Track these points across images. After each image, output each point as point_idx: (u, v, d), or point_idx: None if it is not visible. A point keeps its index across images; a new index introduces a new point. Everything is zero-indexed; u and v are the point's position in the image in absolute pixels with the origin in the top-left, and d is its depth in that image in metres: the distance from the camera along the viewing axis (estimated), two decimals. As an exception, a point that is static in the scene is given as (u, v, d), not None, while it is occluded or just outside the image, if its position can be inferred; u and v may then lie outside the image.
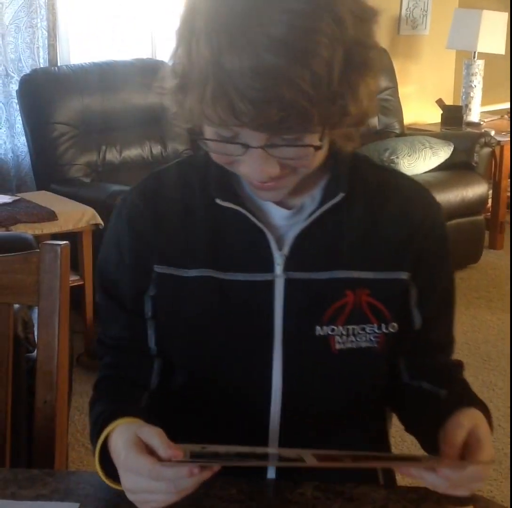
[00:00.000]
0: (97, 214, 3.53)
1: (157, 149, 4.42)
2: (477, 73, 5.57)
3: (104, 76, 4.24)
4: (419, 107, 5.74)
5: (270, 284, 1.18)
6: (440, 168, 4.89)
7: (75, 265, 3.49)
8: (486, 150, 5.04)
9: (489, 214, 5.26)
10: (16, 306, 1.60)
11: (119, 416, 1.11)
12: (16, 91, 4.08)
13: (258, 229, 1.18)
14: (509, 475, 1.04)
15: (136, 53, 4.65)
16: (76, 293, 3.29)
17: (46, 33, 4.17)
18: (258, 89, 0.96)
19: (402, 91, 5.37)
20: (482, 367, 3.65)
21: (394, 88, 5.24)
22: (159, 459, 0.99)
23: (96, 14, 4.56)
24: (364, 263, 1.20)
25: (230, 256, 1.19)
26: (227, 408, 1.23)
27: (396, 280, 1.21)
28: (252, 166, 1.07)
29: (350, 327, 1.19)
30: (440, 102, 5.60)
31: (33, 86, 4.04)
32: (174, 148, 4.46)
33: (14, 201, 3.58)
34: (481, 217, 4.93)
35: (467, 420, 1.09)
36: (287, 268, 1.18)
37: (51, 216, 3.44)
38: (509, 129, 5.40)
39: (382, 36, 1.24)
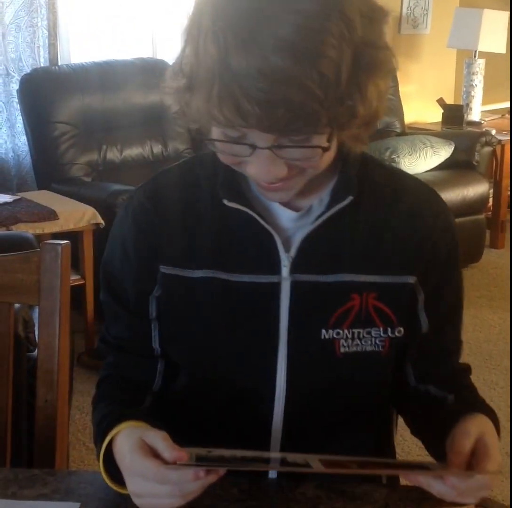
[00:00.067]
0: (98, 214, 3.53)
1: (158, 148, 4.41)
2: (478, 72, 5.57)
3: (105, 75, 4.24)
4: (420, 106, 5.74)
5: (276, 286, 1.17)
6: (441, 167, 4.89)
7: (76, 265, 3.50)
8: (487, 149, 5.04)
9: (490, 213, 5.26)
10: (17, 305, 1.60)
11: (124, 420, 1.10)
12: (17, 90, 4.08)
13: (265, 231, 1.17)
14: (509, 475, 1.04)
15: (137, 52, 4.65)
16: (77, 293, 3.29)
17: (47, 32, 4.17)
18: (264, 91, 0.95)
19: (403, 90, 5.36)
20: (484, 366, 3.65)
21: (394, 87, 5.23)
22: (164, 462, 0.98)
23: (96, 14, 4.56)
24: (371, 266, 1.19)
25: (236, 257, 1.18)
26: (230, 409, 1.23)
27: (404, 284, 1.20)
28: (259, 167, 1.06)
29: (355, 330, 1.18)
30: (441, 101, 5.60)
31: (33, 85, 4.04)
32: (175, 147, 4.46)
33: (14, 201, 3.58)
34: (482, 216, 4.92)
35: (475, 428, 1.08)
36: (293, 270, 1.17)
37: (51, 215, 3.44)
38: (509, 128, 5.39)
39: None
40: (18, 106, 4.10)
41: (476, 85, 5.59)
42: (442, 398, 1.24)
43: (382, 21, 1.03)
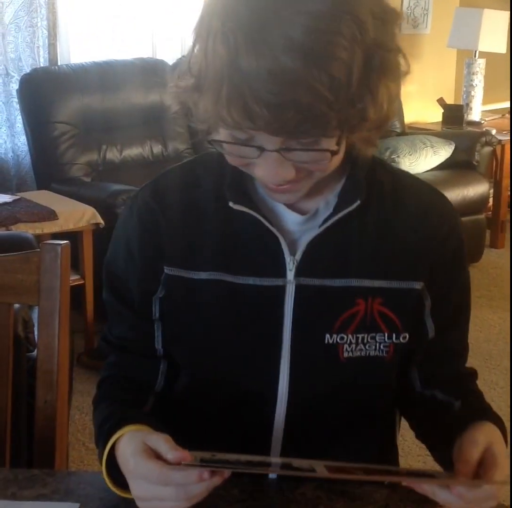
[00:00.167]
0: (97, 214, 3.53)
1: (157, 148, 4.41)
2: (478, 72, 5.57)
3: (105, 75, 4.24)
4: (420, 106, 5.74)
5: (281, 289, 1.17)
6: (441, 167, 4.89)
7: (76, 265, 3.50)
8: (487, 149, 5.04)
9: (490, 213, 5.26)
10: (16, 305, 1.60)
11: (125, 423, 1.09)
12: (17, 90, 4.08)
13: (271, 234, 1.16)
14: (510, 475, 1.03)
15: (136, 52, 4.64)
16: (77, 293, 3.29)
17: (47, 32, 4.17)
18: (274, 93, 0.94)
19: (403, 90, 5.27)
20: (484, 366, 3.64)
21: (394, 87, 5.23)
22: (168, 464, 0.98)
23: (96, 14, 4.55)
24: (378, 271, 1.18)
25: (241, 260, 1.17)
26: (232, 411, 1.22)
27: (410, 290, 1.20)
28: (267, 169, 1.05)
29: (360, 335, 1.17)
30: (441, 101, 5.60)
31: (33, 85, 4.04)
32: (175, 147, 4.46)
33: (14, 201, 3.58)
34: (482, 216, 4.92)
35: (483, 437, 1.07)
36: (298, 274, 1.16)
37: (51, 215, 3.43)
38: (509, 128, 5.39)
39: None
40: (18, 106, 4.10)
41: (476, 85, 5.59)
42: (448, 404, 1.23)
43: (394, 23, 1.02)
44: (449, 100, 5.82)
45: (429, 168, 4.85)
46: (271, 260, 1.17)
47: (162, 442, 1.00)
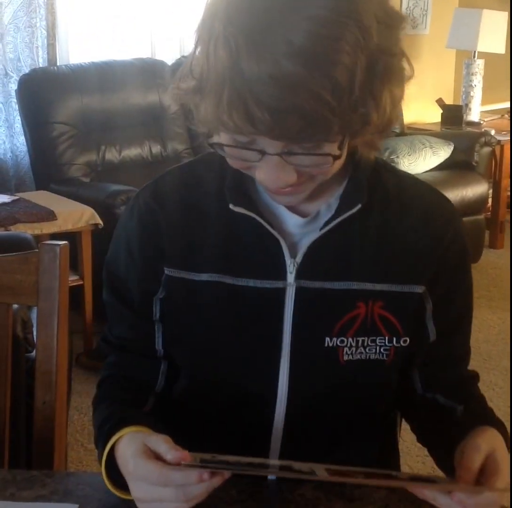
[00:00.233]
0: (96, 214, 3.52)
1: (156, 148, 4.41)
2: (477, 72, 5.58)
3: (103, 75, 4.24)
4: (419, 107, 5.74)
5: (281, 292, 1.16)
6: (440, 167, 4.89)
7: (75, 265, 3.50)
8: (486, 149, 5.04)
9: (489, 213, 5.26)
10: (15, 306, 1.60)
11: (125, 424, 1.09)
12: (15, 90, 4.08)
13: (271, 236, 1.15)
14: (509, 476, 1.04)
15: (136, 52, 4.64)
16: (75, 293, 3.29)
17: (45, 32, 4.17)
18: (276, 98, 0.93)
19: (402, 90, 5.35)
20: (483, 366, 3.64)
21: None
22: (168, 464, 0.97)
23: (95, 14, 4.56)
24: (379, 275, 1.17)
25: (241, 262, 1.17)
26: (231, 412, 1.22)
27: (411, 294, 1.19)
28: (268, 173, 1.04)
29: (360, 339, 1.17)
30: (440, 102, 5.60)
31: (32, 85, 4.04)
32: (174, 148, 4.46)
33: (13, 201, 3.58)
34: (481, 217, 4.92)
35: (485, 443, 1.06)
36: (299, 276, 1.16)
37: (50, 216, 3.43)
38: (509, 129, 5.40)
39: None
40: (17, 106, 4.10)
41: (475, 85, 5.60)
42: (451, 408, 1.22)
43: (399, 27, 1.01)
44: (448, 101, 5.83)
45: (428, 168, 4.85)
46: (272, 263, 1.16)
47: (161, 443, 1.00)
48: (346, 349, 1.17)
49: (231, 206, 1.15)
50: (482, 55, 5.56)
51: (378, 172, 1.19)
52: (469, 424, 1.12)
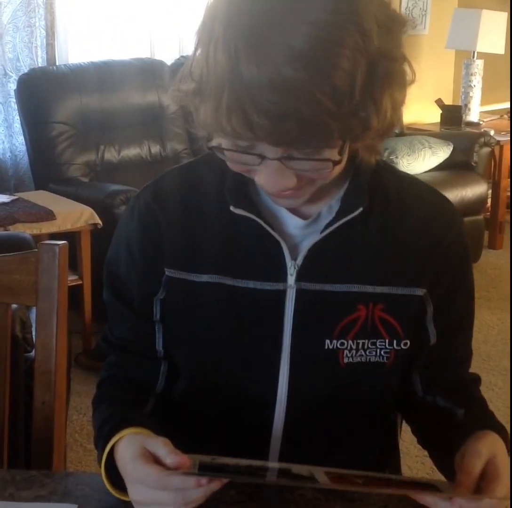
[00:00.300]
0: (95, 214, 3.52)
1: (155, 148, 4.41)
2: (476, 72, 5.57)
3: (103, 75, 4.24)
4: (418, 107, 5.74)
5: (281, 294, 1.16)
6: (439, 168, 4.89)
7: (74, 265, 3.50)
8: (486, 149, 5.04)
9: (488, 214, 5.26)
10: (14, 306, 1.59)
11: (125, 426, 1.09)
12: (14, 90, 4.08)
13: (272, 238, 1.15)
14: (509, 476, 1.03)
15: (135, 52, 4.64)
16: (75, 293, 3.28)
17: (44, 32, 4.17)
18: (275, 103, 0.92)
19: (401, 91, 5.35)
20: (482, 367, 3.64)
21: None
22: (166, 468, 0.97)
23: (94, 14, 4.55)
24: (380, 277, 1.17)
25: (242, 263, 1.16)
26: (230, 414, 1.22)
27: (412, 297, 1.19)
28: (268, 177, 1.04)
29: (360, 341, 1.16)
30: (439, 102, 5.60)
31: (31, 85, 4.04)
32: (173, 148, 4.46)
33: (12, 201, 3.57)
34: (480, 217, 4.92)
35: (486, 448, 1.05)
36: (299, 278, 1.15)
37: (49, 215, 3.43)
38: (508, 129, 5.40)
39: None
40: (16, 106, 4.10)
41: (474, 85, 5.59)
42: (451, 411, 1.22)
43: (400, 31, 1.00)
44: (448, 101, 5.83)
45: (427, 169, 4.85)
46: (272, 264, 1.16)
47: (160, 446, 1.00)
48: (346, 351, 1.16)
49: (231, 208, 1.15)
50: (482, 55, 5.56)
51: (379, 173, 1.19)
52: (470, 428, 1.12)
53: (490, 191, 5.19)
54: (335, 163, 1.02)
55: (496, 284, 4.75)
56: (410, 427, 1.31)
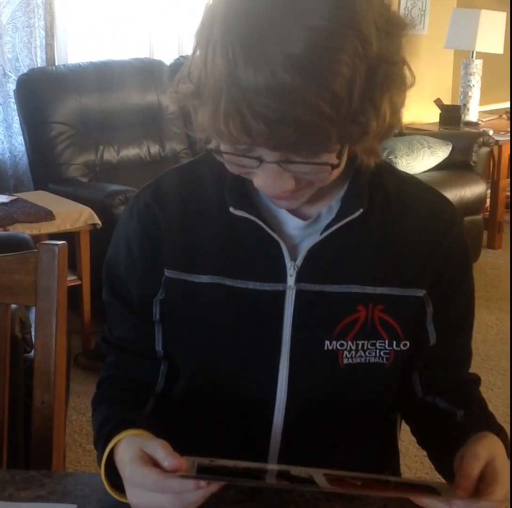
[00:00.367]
0: (94, 214, 3.52)
1: (155, 148, 4.41)
2: (475, 72, 5.57)
3: (102, 75, 4.23)
4: (417, 107, 5.73)
5: (281, 294, 1.16)
6: (438, 167, 4.89)
7: (73, 265, 3.50)
8: (484, 149, 5.04)
9: (487, 213, 5.26)
10: (13, 306, 1.59)
11: (125, 427, 1.09)
12: (14, 90, 4.07)
13: (272, 239, 1.15)
14: (509, 476, 1.03)
15: (134, 52, 4.64)
16: (74, 293, 3.29)
17: (44, 32, 4.17)
18: (273, 109, 0.92)
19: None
20: (481, 367, 3.64)
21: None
22: (165, 471, 0.97)
23: (93, 14, 4.56)
24: (380, 278, 1.16)
25: (242, 264, 1.16)
26: (230, 414, 1.22)
27: (412, 298, 1.18)
28: (266, 180, 1.03)
29: (360, 342, 1.16)
30: (438, 102, 5.60)
31: (30, 85, 4.04)
32: (172, 148, 4.46)
33: (11, 201, 3.57)
34: (479, 217, 4.92)
35: (485, 451, 1.05)
36: (299, 279, 1.15)
37: (48, 216, 3.43)
38: (507, 129, 5.40)
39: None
40: (15, 106, 4.10)
41: (473, 85, 5.59)
42: (451, 413, 1.21)
43: (400, 34, 0.99)
44: (446, 101, 5.83)
45: (426, 168, 4.85)
46: (272, 265, 1.15)
47: (159, 449, 0.99)
48: (345, 352, 1.16)
49: (231, 209, 1.14)
50: (481, 55, 5.56)
51: (379, 173, 1.18)
52: (469, 429, 1.12)
53: (489, 191, 5.19)
54: (334, 167, 1.01)
55: (495, 284, 4.76)
56: (410, 427, 1.31)
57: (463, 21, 5.53)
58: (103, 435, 1.11)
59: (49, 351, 1.38)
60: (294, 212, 1.16)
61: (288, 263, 1.15)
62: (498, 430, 1.14)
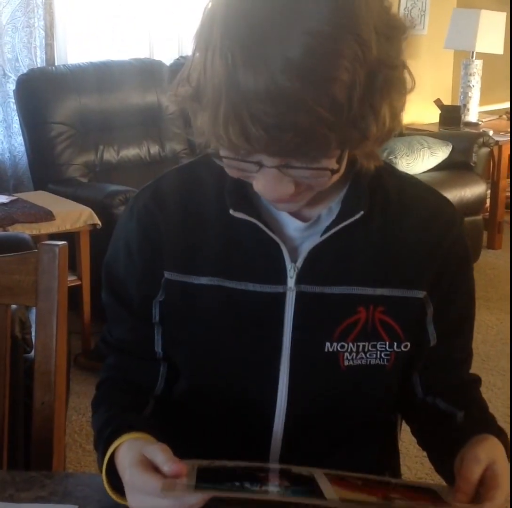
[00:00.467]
0: (94, 214, 3.52)
1: (154, 149, 4.41)
2: (475, 73, 5.57)
3: (102, 75, 4.23)
4: (417, 107, 5.73)
5: (281, 296, 1.15)
6: (438, 168, 4.89)
7: (73, 266, 3.49)
8: (484, 150, 5.04)
9: (487, 214, 5.26)
10: (13, 306, 1.59)
11: (125, 431, 1.09)
12: (13, 90, 4.07)
13: (272, 241, 1.14)
14: (509, 477, 1.03)
15: (134, 53, 4.64)
16: (74, 294, 3.28)
17: (43, 32, 4.17)
18: (272, 115, 0.91)
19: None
20: (481, 367, 3.64)
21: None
22: (164, 475, 0.97)
23: (93, 14, 4.55)
24: (380, 279, 1.16)
25: (242, 266, 1.16)
26: (230, 416, 1.21)
27: (413, 299, 1.18)
28: (266, 185, 1.03)
29: (360, 344, 1.16)
30: (438, 102, 5.60)
31: (30, 85, 4.03)
32: (172, 148, 4.46)
33: (11, 201, 3.57)
34: (479, 217, 4.92)
35: (485, 454, 1.04)
36: (299, 281, 1.15)
37: (48, 216, 3.43)
38: (507, 129, 5.40)
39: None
40: (15, 106, 4.10)
41: (473, 86, 5.59)
42: (451, 414, 1.21)
43: (400, 38, 0.98)
44: (446, 101, 5.83)
45: (426, 169, 4.85)
46: (272, 267, 1.15)
47: (159, 453, 0.99)
48: (346, 354, 1.16)
49: (231, 211, 1.14)
50: (480, 55, 5.56)
51: (379, 174, 1.17)
52: (470, 431, 1.12)
53: (489, 191, 5.19)
54: (334, 171, 1.01)
55: (495, 285, 4.75)
56: (410, 427, 1.31)
57: (463, 21, 5.53)
58: (104, 438, 1.11)
59: (50, 352, 1.38)
60: (294, 213, 1.16)
61: (289, 265, 1.15)
62: (498, 433, 1.14)
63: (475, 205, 4.83)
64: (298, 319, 1.16)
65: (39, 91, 4.03)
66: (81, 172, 4.10)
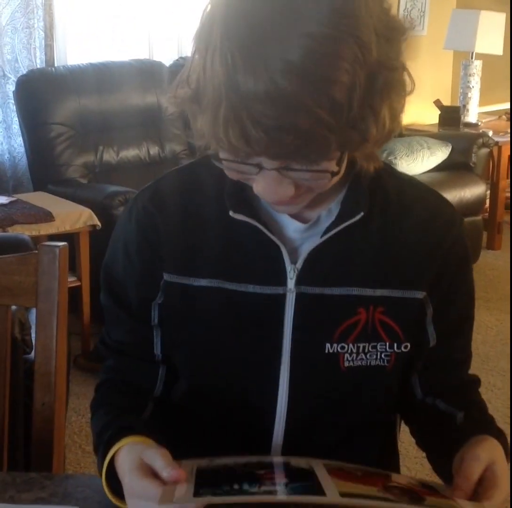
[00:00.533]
0: (94, 215, 3.52)
1: (154, 149, 4.41)
2: (474, 73, 5.57)
3: (101, 76, 4.23)
4: (416, 108, 5.73)
5: (281, 298, 1.15)
6: (438, 168, 4.89)
7: (72, 267, 3.49)
8: (484, 150, 5.04)
9: (487, 214, 5.26)
10: (13, 307, 1.59)
11: (125, 434, 1.08)
12: (13, 91, 4.07)
13: (271, 242, 1.14)
14: (509, 477, 1.04)
15: (133, 53, 4.64)
16: (73, 295, 3.28)
17: (43, 33, 4.17)
18: (272, 117, 0.91)
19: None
20: (481, 367, 3.64)
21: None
22: (163, 481, 0.97)
23: (93, 15, 4.55)
24: (380, 280, 1.16)
25: (241, 267, 1.15)
26: (231, 418, 1.21)
27: (412, 299, 1.18)
28: (266, 187, 1.03)
29: (360, 345, 1.16)
30: (437, 103, 5.60)
31: (30, 86, 4.03)
32: (172, 149, 4.46)
33: (10, 202, 3.57)
34: (479, 218, 4.92)
35: (485, 454, 1.05)
36: (299, 282, 1.15)
37: (48, 217, 3.43)
38: (506, 130, 5.40)
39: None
40: (14, 107, 4.10)
41: (473, 86, 5.60)
42: (451, 415, 1.21)
43: (400, 39, 0.98)
44: (446, 102, 5.83)
45: (426, 169, 4.85)
46: (272, 268, 1.15)
47: (158, 458, 0.99)
48: (346, 355, 1.16)
49: (231, 213, 1.14)
50: (480, 56, 5.56)
51: (378, 175, 1.17)
52: (469, 432, 1.12)
53: (488, 192, 5.19)
54: (334, 174, 1.01)
55: (494, 285, 4.76)
56: (409, 428, 1.31)
57: (463, 22, 5.53)
58: (103, 442, 1.11)
59: (50, 353, 1.38)
60: (293, 215, 1.16)
61: (288, 266, 1.15)
62: (498, 434, 1.14)
63: (474, 206, 4.83)
64: (298, 320, 1.15)
65: (39, 92, 4.03)
66: (80, 173, 4.10)
